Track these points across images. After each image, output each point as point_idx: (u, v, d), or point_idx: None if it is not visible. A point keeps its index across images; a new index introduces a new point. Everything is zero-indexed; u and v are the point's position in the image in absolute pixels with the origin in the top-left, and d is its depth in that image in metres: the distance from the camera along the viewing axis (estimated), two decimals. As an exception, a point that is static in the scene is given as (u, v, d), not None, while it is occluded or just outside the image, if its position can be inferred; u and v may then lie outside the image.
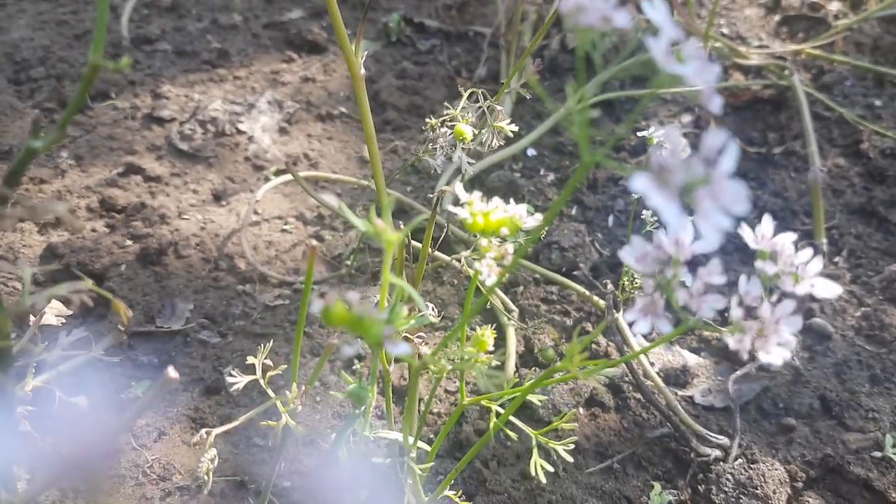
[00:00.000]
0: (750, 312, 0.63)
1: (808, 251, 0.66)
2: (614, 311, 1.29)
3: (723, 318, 0.67)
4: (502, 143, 0.94)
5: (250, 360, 0.85)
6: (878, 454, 1.18)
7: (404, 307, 0.78)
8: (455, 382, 1.28)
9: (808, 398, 1.26)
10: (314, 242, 0.75)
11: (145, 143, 1.60)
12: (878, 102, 1.71)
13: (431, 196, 1.24)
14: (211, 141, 1.60)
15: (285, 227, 1.48)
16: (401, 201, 1.48)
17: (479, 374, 0.65)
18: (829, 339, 1.34)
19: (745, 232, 0.65)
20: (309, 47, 1.81)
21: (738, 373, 1.29)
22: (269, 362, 0.84)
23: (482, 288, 0.71)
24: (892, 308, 1.38)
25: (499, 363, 1.28)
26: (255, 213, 1.49)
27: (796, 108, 1.65)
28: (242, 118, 1.64)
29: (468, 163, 0.99)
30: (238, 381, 0.81)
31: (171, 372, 0.74)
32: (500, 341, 1.32)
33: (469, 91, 0.92)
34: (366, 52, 0.97)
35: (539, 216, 0.74)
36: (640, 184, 0.45)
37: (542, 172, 1.58)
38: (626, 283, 1.25)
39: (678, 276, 0.61)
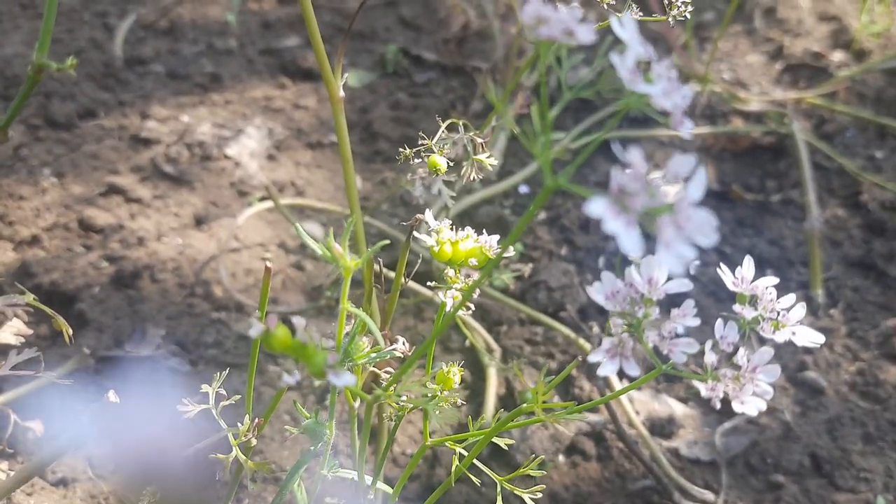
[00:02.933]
0: (726, 359, 0.58)
1: (791, 297, 0.61)
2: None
3: (698, 363, 0.63)
4: (482, 177, 0.90)
5: (204, 388, 0.81)
6: (869, 517, 1.12)
7: (382, 340, 0.74)
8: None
9: (798, 455, 1.21)
10: (268, 263, 0.70)
11: (129, 164, 1.57)
12: (878, 154, 1.67)
13: (411, 225, 1.21)
14: (196, 165, 1.57)
15: (266, 254, 1.44)
16: (385, 233, 1.44)
17: (431, 411, 0.61)
18: (822, 393, 1.29)
19: (724, 274, 0.61)
20: (303, 74, 1.79)
21: (726, 425, 1.24)
22: (223, 391, 0.79)
23: (449, 313, 0.67)
24: (889, 364, 1.33)
25: (463, 402, 1.24)
26: (236, 239, 1.45)
27: (796, 156, 1.62)
28: (230, 143, 1.61)
29: (450, 196, 0.95)
30: (189, 410, 0.76)
31: (112, 396, 0.70)
32: (481, 382, 1.28)
33: (448, 122, 0.89)
34: (346, 77, 0.94)
35: (512, 249, 0.69)
36: (596, 207, 0.41)
37: (533, 210, 1.54)
38: (612, 328, 1.20)
39: (649, 316, 0.56)
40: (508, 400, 1.26)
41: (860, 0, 1.90)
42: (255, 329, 0.52)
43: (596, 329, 1.31)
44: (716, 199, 1.59)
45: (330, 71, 0.91)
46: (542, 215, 1.54)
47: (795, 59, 1.87)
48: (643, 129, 1.70)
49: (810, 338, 0.59)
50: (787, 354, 1.35)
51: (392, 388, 0.63)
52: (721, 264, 0.61)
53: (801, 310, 0.60)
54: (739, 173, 1.65)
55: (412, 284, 1.34)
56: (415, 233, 0.70)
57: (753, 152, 1.68)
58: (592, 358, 0.56)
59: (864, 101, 1.78)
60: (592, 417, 1.23)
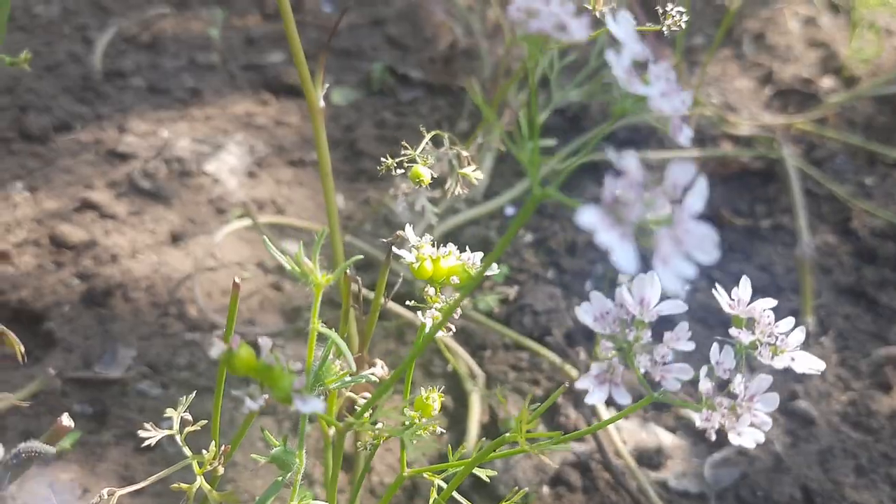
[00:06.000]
0: (721, 387, 0.55)
1: (790, 320, 0.58)
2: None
3: (688, 391, 0.59)
4: (467, 196, 0.87)
5: (169, 412, 0.76)
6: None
7: (355, 363, 0.70)
8: (422, 452, 1.18)
9: (788, 487, 1.17)
10: (237, 279, 0.66)
11: (105, 179, 1.52)
12: (868, 181, 1.65)
13: (393, 243, 1.17)
14: (175, 180, 1.53)
15: (244, 273, 1.39)
16: (368, 254, 1.40)
17: (408, 441, 0.57)
18: (813, 423, 1.26)
19: (720, 295, 0.57)
20: (286, 91, 1.76)
21: (716, 456, 1.20)
22: (188, 416, 0.75)
23: (428, 333, 0.63)
24: (880, 394, 1.30)
25: (444, 430, 1.19)
26: (213, 258, 1.40)
27: (785, 181, 1.59)
28: (210, 159, 1.57)
29: (434, 213, 0.92)
30: (152, 435, 0.72)
31: (65, 420, 0.65)
32: (463, 409, 1.23)
33: (433, 133, 0.86)
34: (326, 87, 0.91)
35: (496, 267, 0.66)
36: (587, 218, 0.37)
37: (520, 232, 1.51)
38: (601, 352, 1.16)
39: (640, 340, 0.53)
40: (492, 428, 1.21)
41: (850, 27, 1.89)
42: (217, 349, 0.48)
43: (583, 355, 1.27)
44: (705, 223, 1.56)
45: (310, 80, 0.88)
46: (529, 237, 1.50)
47: (785, 84, 1.85)
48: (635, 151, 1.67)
49: (810, 364, 0.56)
50: (777, 383, 1.31)
51: (367, 414, 0.59)
52: (715, 287, 0.58)
53: (800, 334, 0.57)
54: (729, 198, 1.62)
55: (393, 306, 1.30)
56: (395, 250, 0.66)
57: (743, 177, 1.66)
58: (580, 385, 0.52)
59: (853, 128, 1.77)
60: (578, 447, 1.19)
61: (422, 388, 0.70)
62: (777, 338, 0.56)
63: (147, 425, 0.73)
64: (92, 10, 1.96)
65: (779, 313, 1.51)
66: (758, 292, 1.54)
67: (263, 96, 1.76)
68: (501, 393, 1.22)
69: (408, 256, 0.64)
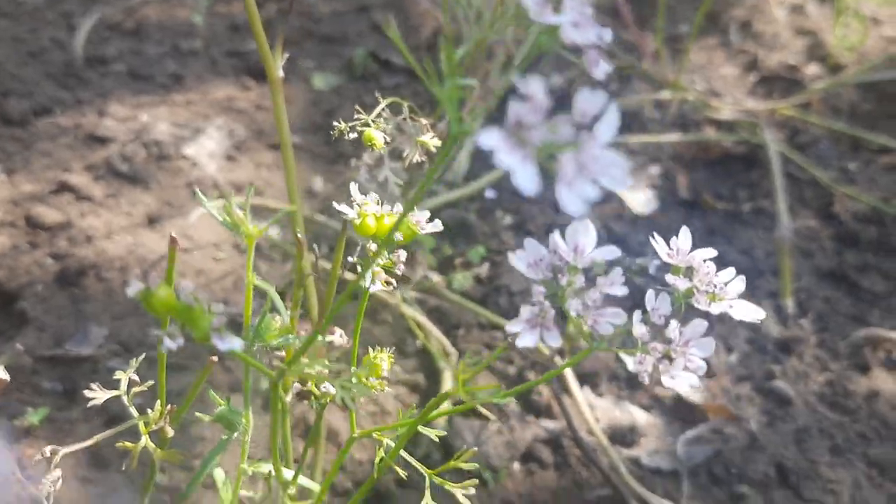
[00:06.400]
0: (658, 333, 0.54)
1: (731, 270, 0.57)
2: (558, 357, 1.20)
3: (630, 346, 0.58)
4: (424, 160, 0.86)
5: (119, 374, 0.76)
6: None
7: (291, 320, 0.69)
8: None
9: (763, 465, 1.16)
10: (173, 234, 0.66)
11: (83, 162, 1.52)
12: (851, 166, 1.64)
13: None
14: (153, 164, 1.53)
15: (219, 255, 1.39)
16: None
17: (338, 387, 0.56)
18: (790, 404, 1.25)
19: (658, 245, 0.56)
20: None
21: (689, 434, 1.19)
22: (136, 377, 0.74)
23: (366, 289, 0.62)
24: (858, 375, 1.29)
25: (416, 406, 1.18)
26: (189, 239, 1.40)
27: (767, 165, 1.58)
28: (189, 143, 1.57)
29: (397, 184, 0.91)
30: (97, 396, 0.71)
31: (1, 373, 0.65)
32: (435, 386, 1.23)
33: (389, 100, 0.85)
34: (286, 56, 0.90)
35: (438, 224, 0.65)
36: (489, 139, 0.36)
37: (498, 215, 1.50)
38: (573, 329, 1.16)
39: (574, 284, 0.52)
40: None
41: (835, 14, 1.88)
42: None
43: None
44: (686, 207, 1.56)
45: (268, 50, 0.88)
46: (508, 220, 1.50)
47: (770, 71, 1.84)
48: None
49: (748, 312, 0.55)
50: (756, 364, 1.31)
51: (304, 366, 0.58)
52: (653, 235, 0.57)
53: (740, 283, 0.56)
54: (711, 182, 1.61)
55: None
56: (336, 205, 0.65)
57: (725, 161, 1.65)
58: (510, 328, 0.52)
59: (838, 115, 1.75)
60: (550, 425, 1.18)
61: (369, 348, 0.70)
62: (716, 286, 0.55)
63: (94, 385, 0.73)
64: (77, -2, 1.96)
65: (758, 295, 1.49)
66: (738, 275, 1.53)
67: (245, 82, 1.75)
68: (464, 365, 1.21)
69: (349, 212, 0.63)
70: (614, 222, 1.51)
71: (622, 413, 1.22)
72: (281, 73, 0.89)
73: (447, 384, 1.21)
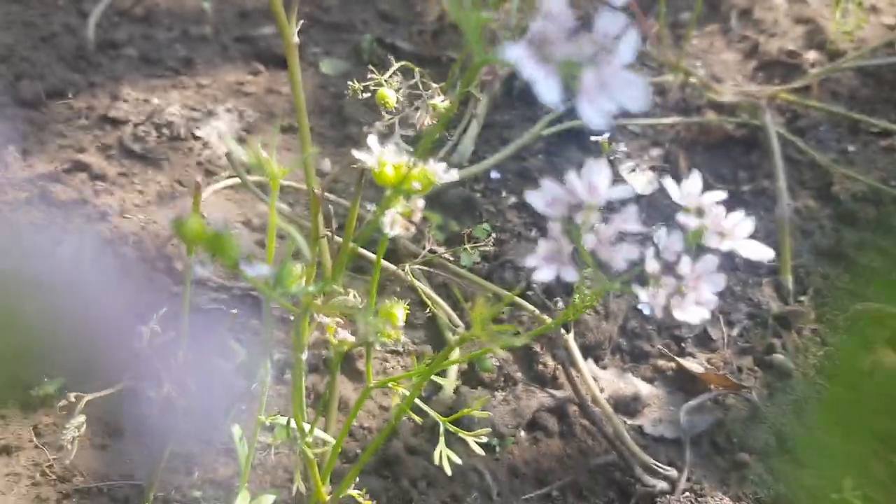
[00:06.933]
0: (669, 270, 0.56)
1: (740, 213, 0.60)
2: (563, 330, 1.22)
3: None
4: (434, 122, 0.89)
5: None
6: (835, 496, 1.10)
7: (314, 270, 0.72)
8: (390, 399, 1.20)
9: (764, 434, 1.19)
10: (198, 179, 0.68)
11: (96, 143, 1.55)
12: (851, 148, 1.67)
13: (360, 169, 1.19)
14: (165, 144, 1.55)
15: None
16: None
17: (360, 318, 0.59)
18: (790, 376, 1.28)
19: (670, 187, 0.59)
20: (277, 62, 1.78)
21: (691, 403, 1.22)
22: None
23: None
24: (857, 349, 1.32)
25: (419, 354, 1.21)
26: (201, 216, 1.42)
27: (768, 147, 1.61)
28: (200, 124, 1.60)
29: (407, 150, 0.94)
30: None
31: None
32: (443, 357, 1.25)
33: (401, 63, 0.88)
34: (301, 21, 0.93)
35: (454, 174, 0.68)
36: (514, 53, 0.39)
37: (503, 194, 1.53)
38: (578, 301, 1.18)
39: (588, 222, 0.55)
40: (471, 374, 1.23)
41: (834, 2, 1.91)
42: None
43: (560, 304, 1.29)
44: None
45: (284, 16, 0.90)
46: (513, 199, 1.52)
47: (770, 56, 1.87)
48: (618, 119, 1.70)
49: (758, 251, 0.58)
50: (756, 338, 1.33)
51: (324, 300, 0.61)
52: (662, 179, 0.60)
53: (749, 224, 0.59)
54: (712, 164, 1.64)
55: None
56: (354, 153, 0.68)
57: (726, 144, 1.68)
58: (529, 262, 0.54)
59: (837, 99, 1.78)
60: (556, 394, 1.21)
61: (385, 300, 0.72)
62: (726, 227, 0.58)
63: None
64: (86, -15, 1.99)
65: (759, 273, 1.51)
66: (738, 254, 1.55)
67: (255, 67, 1.78)
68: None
69: (369, 160, 0.66)
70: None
71: (626, 384, 1.25)
72: (296, 39, 0.92)
73: (454, 355, 1.23)
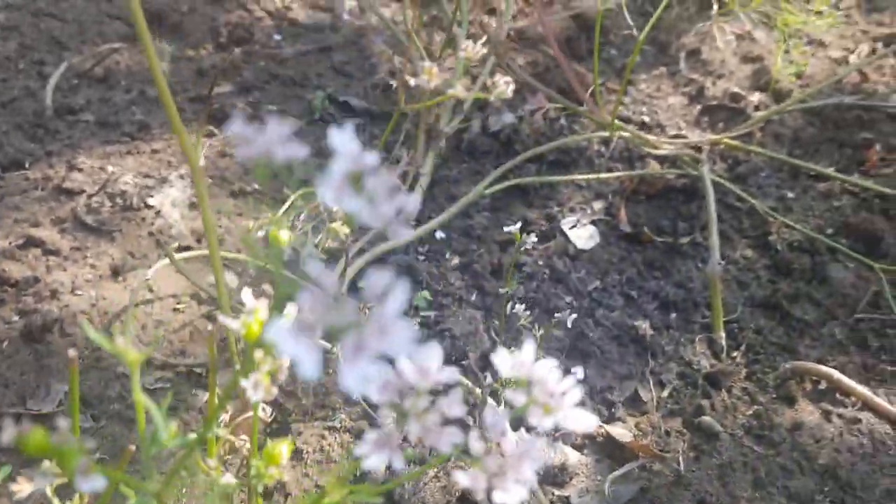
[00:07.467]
0: (495, 447, 0.61)
1: (572, 379, 0.64)
2: (491, 402, 1.26)
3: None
4: (336, 244, 0.93)
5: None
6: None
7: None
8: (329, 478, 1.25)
9: (687, 502, 1.23)
10: (72, 352, 0.73)
11: (51, 216, 1.59)
12: (790, 194, 1.70)
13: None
14: (118, 214, 1.60)
15: (178, 305, 1.46)
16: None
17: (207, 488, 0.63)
18: (717, 438, 1.32)
19: (499, 358, 0.63)
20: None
21: (617, 473, 1.26)
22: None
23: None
24: (784, 407, 1.36)
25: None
26: (151, 290, 1.47)
27: (705, 200, 1.64)
28: (153, 192, 1.64)
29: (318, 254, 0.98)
30: (22, 490, 0.78)
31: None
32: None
33: (302, 191, 0.92)
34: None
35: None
36: (278, 335, 0.43)
37: (447, 256, 1.57)
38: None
39: (417, 408, 0.59)
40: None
41: (778, 40, 1.94)
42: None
43: (489, 379, 1.33)
44: (627, 241, 1.62)
45: (187, 139, 0.94)
46: (456, 260, 1.57)
47: (715, 100, 1.90)
48: (562, 174, 1.73)
49: (582, 422, 0.62)
50: (686, 399, 1.37)
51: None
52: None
53: (576, 393, 0.63)
54: (652, 215, 1.68)
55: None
56: (221, 318, 0.72)
57: (667, 194, 1.71)
58: (358, 451, 0.59)
59: (781, 141, 1.82)
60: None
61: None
62: (553, 397, 0.62)
63: (20, 477, 0.80)
64: (48, 46, 2.03)
65: (693, 329, 1.55)
66: (674, 308, 1.59)
67: (208, 128, 1.82)
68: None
69: (233, 324, 0.69)
70: (558, 258, 1.58)
71: (556, 454, 1.29)
72: (202, 163, 0.96)
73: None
